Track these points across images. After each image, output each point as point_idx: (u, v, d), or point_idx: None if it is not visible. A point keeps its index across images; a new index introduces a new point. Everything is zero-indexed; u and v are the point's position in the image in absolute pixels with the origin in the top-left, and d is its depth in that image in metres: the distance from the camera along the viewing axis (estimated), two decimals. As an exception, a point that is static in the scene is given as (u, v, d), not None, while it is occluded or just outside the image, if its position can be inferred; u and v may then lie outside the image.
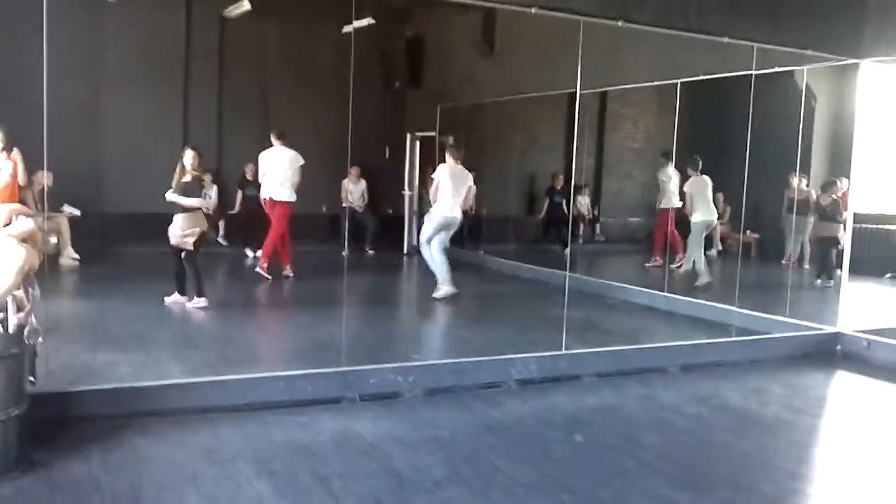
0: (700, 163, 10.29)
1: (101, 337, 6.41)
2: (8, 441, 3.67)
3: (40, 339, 1.10)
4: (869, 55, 7.14)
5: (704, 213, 10.12)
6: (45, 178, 7.67)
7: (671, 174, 11.24)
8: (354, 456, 4.14)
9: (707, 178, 10.24)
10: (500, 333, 7.29)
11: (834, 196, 10.42)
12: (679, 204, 10.99)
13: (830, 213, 10.38)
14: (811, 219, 11.07)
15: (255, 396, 4.86)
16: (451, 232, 9.04)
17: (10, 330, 0.97)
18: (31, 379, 1.17)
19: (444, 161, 9.05)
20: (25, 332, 1.08)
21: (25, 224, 1.00)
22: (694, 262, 10.11)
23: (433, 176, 9.01)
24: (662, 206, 11.45)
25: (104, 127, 12.13)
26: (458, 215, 8.93)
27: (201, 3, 12.78)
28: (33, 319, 1.12)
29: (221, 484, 3.69)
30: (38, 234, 1.01)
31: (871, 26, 7.02)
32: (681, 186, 10.76)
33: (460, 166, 8.93)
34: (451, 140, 9.33)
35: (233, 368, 5.54)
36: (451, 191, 8.76)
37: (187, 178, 7.62)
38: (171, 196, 7.58)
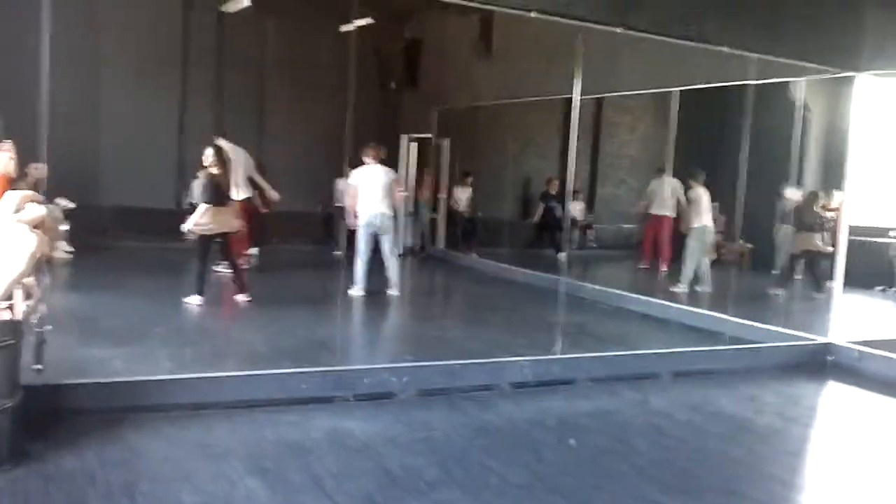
0: (703, 175, 10.08)
1: (95, 330, 6.38)
2: (1, 433, 3.66)
3: (49, 328, 1.09)
4: (866, 68, 7.19)
5: (705, 221, 9.97)
6: (42, 170, 7.60)
7: (665, 183, 11.25)
8: (347, 455, 4.14)
9: (705, 192, 10.08)
10: (494, 336, 7.29)
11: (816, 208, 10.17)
12: (672, 213, 11.00)
13: (809, 224, 10.13)
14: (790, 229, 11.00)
15: (248, 394, 4.86)
16: (389, 234, 8.81)
17: (19, 317, 0.97)
18: (39, 367, 1.16)
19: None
20: (35, 320, 1.08)
21: (37, 211, 1.00)
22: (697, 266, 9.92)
23: (349, 182, 8.79)
24: (653, 211, 11.42)
25: (100, 120, 12.07)
26: (386, 212, 8.69)
27: (200, -3, 12.75)
28: (43, 307, 1.12)
29: (215, 480, 3.69)
30: (50, 221, 1.02)
31: (870, 40, 7.06)
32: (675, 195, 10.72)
33: (378, 165, 8.73)
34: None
35: (227, 365, 5.54)
36: (371, 192, 8.58)
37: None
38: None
